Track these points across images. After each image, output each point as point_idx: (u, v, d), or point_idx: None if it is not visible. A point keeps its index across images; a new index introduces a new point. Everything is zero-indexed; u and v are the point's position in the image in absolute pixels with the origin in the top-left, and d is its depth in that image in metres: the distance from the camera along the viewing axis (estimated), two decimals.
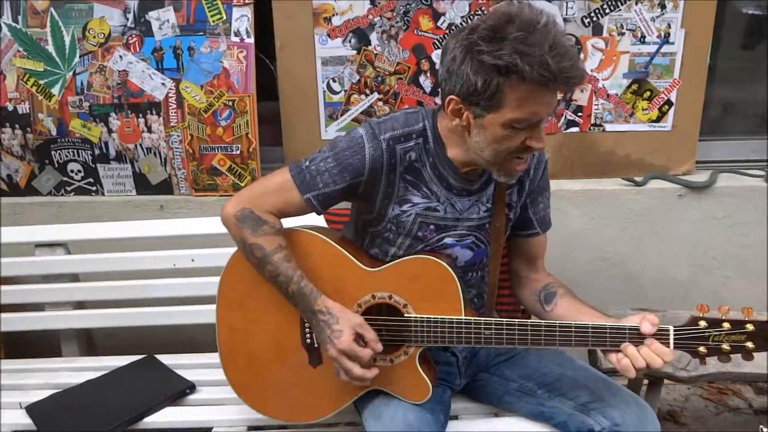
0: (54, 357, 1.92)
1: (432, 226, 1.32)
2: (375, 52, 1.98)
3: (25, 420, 1.55)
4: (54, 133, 2.02)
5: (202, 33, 1.94)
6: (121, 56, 1.96)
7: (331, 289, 1.27)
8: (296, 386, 1.35)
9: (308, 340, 1.34)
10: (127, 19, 1.94)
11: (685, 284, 2.16)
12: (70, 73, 1.97)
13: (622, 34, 1.97)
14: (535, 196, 1.40)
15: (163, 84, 1.97)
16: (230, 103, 1.98)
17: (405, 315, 1.28)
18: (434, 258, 1.27)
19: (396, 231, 1.32)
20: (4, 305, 1.92)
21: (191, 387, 1.65)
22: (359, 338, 1.23)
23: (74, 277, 1.94)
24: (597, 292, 2.17)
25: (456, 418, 1.48)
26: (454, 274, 1.26)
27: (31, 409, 1.57)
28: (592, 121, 2.06)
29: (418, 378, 1.29)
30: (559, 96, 1.18)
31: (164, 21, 1.93)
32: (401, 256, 1.32)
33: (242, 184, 2.05)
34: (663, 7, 1.94)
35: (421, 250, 1.33)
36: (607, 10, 1.95)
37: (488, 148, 1.19)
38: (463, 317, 1.25)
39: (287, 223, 1.33)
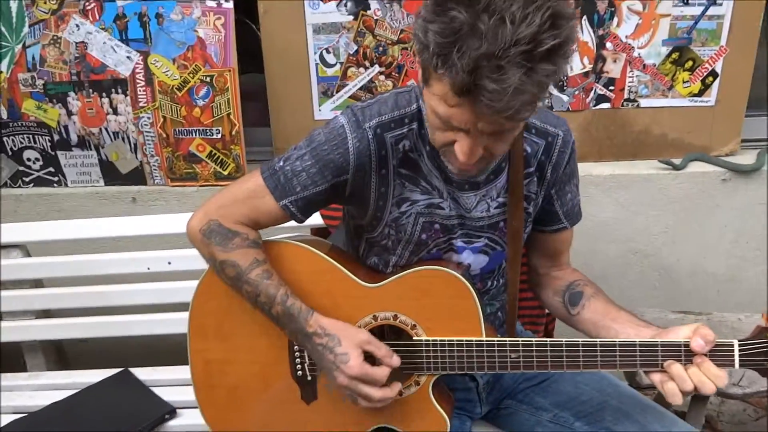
0: (18, 372, 1.72)
1: (437, 226, 1.09)
2: (375, 17, 1.71)
3: None
4: (5, 116, 1.76)
5: None
6: (77, 25, 1.68)
7: (324, 312, 1.06)
8: (287, 426, 1.14)
9: (299, 372, 1.13)
10: None
11: (727, 279, 1.94)
12: (19, 46, 1.70)
13: None
14: (561, 186, 1.15)
15: (128, 57, 1.70)
16: (208, 79, 1.71)
17: (414, 338, 1.07)
18: (444, 269, 1.06)
19: (396, 237, 1.10)
20: None
21: (171, 412, 1.45)
22: (369, 357, 1.04)
23: (37, 283, 1.72)
24: (627, 288, 1.96)
25: None
26: (470, 287, 1.05)
27: None
28: (626, 96, 1.80)
29: (432, 412, 1.10)
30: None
31: None
32: (404, 266, 1.11)
33: (225, 173, 1.80)
34: None
35: (428, 258, 1.11)
36: None
37: (430, 129, 0.97)
38: (484, 338, 1.06)
39: (266, 233, 1.12)
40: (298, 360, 1.12)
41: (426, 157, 1.05)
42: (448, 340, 1.06)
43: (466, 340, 1.05)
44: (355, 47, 1.74)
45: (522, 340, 1.04)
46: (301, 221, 1.09)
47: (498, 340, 1.05)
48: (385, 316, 1.08)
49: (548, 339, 1.04)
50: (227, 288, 1.09)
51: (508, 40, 0.76)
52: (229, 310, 1.12)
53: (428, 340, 1.07)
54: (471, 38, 0.77)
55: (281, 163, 1.05)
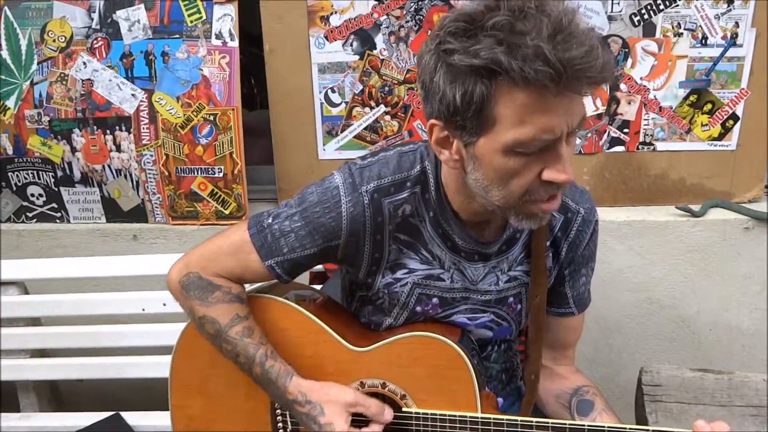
0: (11, 412, 1.70)
1: (435, 300, 1.02)
2: (381, 57, 1.68)
3: None
4: (10, 152, 1.76)
5: (178, 35, 1.65)
6: (84, 63, 1.68)
7: (310, 376, 1.01)
8: None
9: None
10: (92, 20, 1.66)
11: (751, 334, 1.82)
12: (27, 83, 1.70)
13: (680, 34, 1.64)
14: (577, 268, 1.07)
15: (133, 95, 1.69)
16: (211, 118, 1.69)
17: (403, 409, 1.00)
18: (438, 336, 0.99)
19: (390, 301, 1.03)
20: None
21: None
22: (359, 418, 0.97)
23: (34, 321, 1.70)
24: (643, 340, 1.85)
25: None
26: (465, 357, 0.97)
27: None
28: (641, 139, 1.72)
29: None
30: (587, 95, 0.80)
31: (134, 22, 1.65)
32: (396, 329, 1.04)
33: (226, 212, 1.77)
34: (730, 2, 1.60)
35: (423, 322, 1.04)
36: (662, 6, 1.61)
37: (493, 188, 0.84)
38: (479, 414, 0.98)
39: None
40: (279, 421, 1.06)
41: (428, 224, 0.98)
42: (439, 414, 0.98)
43: (460, 415, 0.98)
44: (361, 87, 1.71)
45: (521, 420, 0.96)
46: (287, 282, 1.03)
47: (495, 418, 0.96)
48: (373, 383, 1.01)
49: (550, 420, 0.96)
50: (208, 343, 1.04)
51: (557, 14, 0.74)
52: (211, 365, 1.06)
53: (418, 413, 0.99)
54: (523, 35, 0.73)
55: (270, 220, 0.99)
